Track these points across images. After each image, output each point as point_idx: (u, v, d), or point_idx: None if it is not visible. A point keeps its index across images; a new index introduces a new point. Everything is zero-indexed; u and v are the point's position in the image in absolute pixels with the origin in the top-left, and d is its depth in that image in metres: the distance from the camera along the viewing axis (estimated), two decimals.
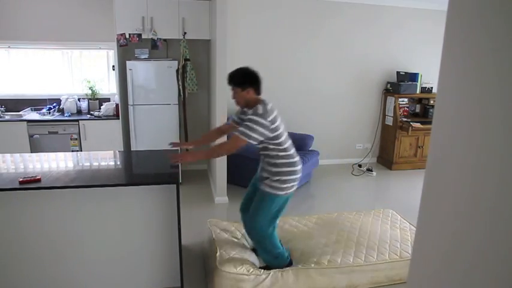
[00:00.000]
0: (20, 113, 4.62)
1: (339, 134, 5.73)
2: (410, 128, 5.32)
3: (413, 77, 5.45)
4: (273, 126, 2.38)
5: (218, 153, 2.77)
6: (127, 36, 4.29)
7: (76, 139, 4.53)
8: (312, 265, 2.66)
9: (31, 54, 4.82)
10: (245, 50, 5.04)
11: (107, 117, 4.62)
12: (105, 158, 3.04)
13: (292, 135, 4.97)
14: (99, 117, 4.63)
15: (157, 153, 3.13)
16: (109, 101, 4.92)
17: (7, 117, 4.50)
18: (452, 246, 0.81)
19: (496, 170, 0.68)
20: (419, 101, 5.79)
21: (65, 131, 4.50)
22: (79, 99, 4.88)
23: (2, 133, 4.33)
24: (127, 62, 4.33)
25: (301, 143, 4.92)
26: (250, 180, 4.56)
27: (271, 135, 2.39)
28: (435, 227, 0.88)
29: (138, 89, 4.40)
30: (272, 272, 2.56)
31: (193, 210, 3.93)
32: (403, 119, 5.48)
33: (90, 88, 4.91)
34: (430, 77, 5.58)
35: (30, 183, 2.20)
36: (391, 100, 5.56)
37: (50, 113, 4.65)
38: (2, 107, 4.67)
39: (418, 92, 5.52)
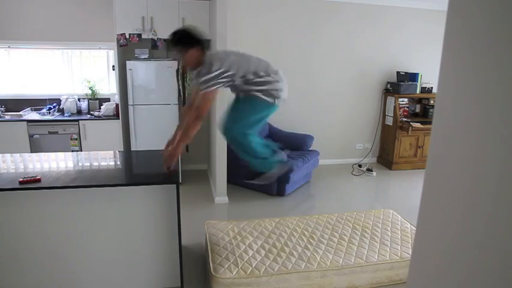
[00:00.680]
0: (20, 113, 4.62)
1: (339, 134, 5.73)
2: (410, 128, 5.33)
3: (413, 77, 5.45)
4: (227, 66, 2.37)
5: (190, 124, 2.40)
6: (127, 36, 4.29)
7: (76, 139, 4.53)
8: (314, 266, 2.65)
9: (31, 54, 4.82)
10: (245, 50, 5.03)
11: (107, 117, 4.62)
12: (105, 158, 3.04)
13: (292, 135, 5.03)
14: (99, 117, 4.63)
15: (157, 153, 3.13)
16: (109, 101, 4.92)
17: (7, 117, 4.50)
18: (452, 246, 0.81)
19: (496, 170, 0.68)
20: (419, 101, 5.80)
21: (65, 131, 4.50)
22: (79, 99, 4.88)
23: (2, 133, 4.33)
24: (127, 62, 4.33)
25: (301, 142, 4.92)
26: None
27: (232, 72, 2.40)
28: (435, 227, 0.88)
29: (138, 89, 4.40)
30: (272, 274, 2.54)
31: (193, 210, 3.93)
32: (403, 119, 5.48)
33: (90, 88, 4.91)
34: (430, 77, 5.58)
35: (30, 183, 2.20)
36: (391, 100, 5.56)
37: (50, 113, 4.65)
38: (2, 107, 4.67)
39: (418, 92, 5.52)
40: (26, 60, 4.83)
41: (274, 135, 5.07)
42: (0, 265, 2.38)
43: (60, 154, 3.20)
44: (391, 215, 3.55)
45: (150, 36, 4.36)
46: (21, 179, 2.22)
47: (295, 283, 2.56)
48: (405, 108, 5.64)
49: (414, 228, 3.13)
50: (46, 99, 4.85)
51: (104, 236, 2.47)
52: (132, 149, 4.52)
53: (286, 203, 4.21)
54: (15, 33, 4.53)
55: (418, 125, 5.39)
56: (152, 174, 2.67)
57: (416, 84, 5.46)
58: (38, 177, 2.27)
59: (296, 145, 4.89)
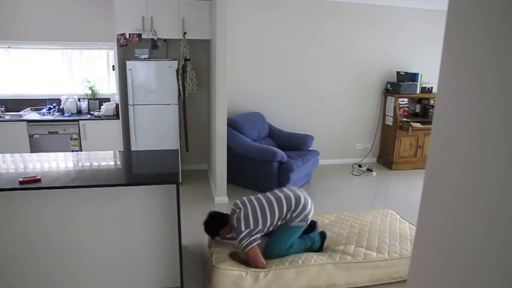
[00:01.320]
0: (20, 113, 4.62)
1: (339, 134, 5.73)
2: (410, 128, 5.33)
3: (413, 77, 5.45)
4: (252, 226, 2.62)
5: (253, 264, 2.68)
6: (127, 36, 4.29)
7: (76, 139, 4.53)
8: (312, 262, 2.66)
9: (31, 54, 4.82)
10: (245, 50, 5.04)
11: (107, 117, 4.62)
12: (105, 158, 3.04)
13: (292, 135, 5.03)
14: (99, 117, 4.63)
15: (157, 153, 3.14)
16: (109, 101, 4.92)
17: (7, 117, 4.50)
18: (453, 246, 0.81)
19: (496, 170, 0.68)
20: (419, 101, 5.80)
21: (65, 131, 4.50)
22: (79, 99, 4.88)
23: (2, 133, 4.33)
24: (127, 62, 4.33)
25: (301, 142, 4.92)
26: (249, 180, 4.57)
27: (259, 227, 2.63)
28: (435, 226, 0.88)
29: (138, 89, 4.40)
30: (271, 268, 2.56)
31: (193, 210, 3.92)
32: (403, 119, 5.48)
33: (90, 88, 4.91)
34: (430, 77, 5.58)
35: (30, 183, 2.20)
36: (391, 100, 5.56)
37: (50, 113, 4.65)
38: (2, 107, 4.67)
39: (418, 92, 5.52)
40: (26, 60, 4.83)
41: (274, 135, 5.07)
42: (0, 265, 2.38)
43: (60, 154, 3.20)
44: (389, 215, 3.56)
45: (150, 36, 4.35)
46: (21, 179, 2.22)
47: (295, 279, 2.57)
48: (405, 108, 5.64)
49: (413, 227, 3.13)
50: (46, 99, 4.85)
51: (103, 236, 2.47)
52: (132, 149, 4.52)
53: None
54: (15, 33, 4.53)
55: (418, 125, 5.39)
56: (152, 174, 2.67)
57: (416, 84, 5.46)
58: (38, 177, 2.27)
59: (296, 145, 4.89)
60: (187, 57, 4.44)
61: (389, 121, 5.62)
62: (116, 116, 4.65)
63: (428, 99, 5.68)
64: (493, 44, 0.69)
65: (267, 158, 4.23)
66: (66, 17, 4.60)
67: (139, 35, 4.32)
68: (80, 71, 4.99)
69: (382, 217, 3.49)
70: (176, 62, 4.43)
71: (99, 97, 4.95)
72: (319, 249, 2.93)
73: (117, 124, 4.56)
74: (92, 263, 2.50)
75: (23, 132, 4.37)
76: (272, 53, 5.16)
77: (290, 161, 4.31)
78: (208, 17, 4.43)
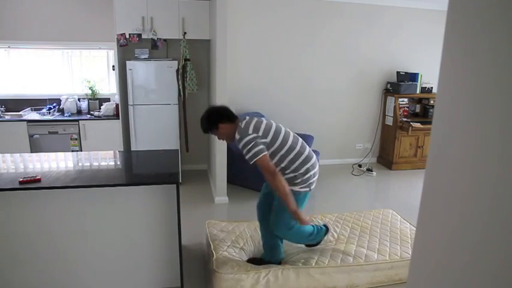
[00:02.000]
0: (20, 113, 4.62)
1: (339, 134, 5.73)
2: (410, 128, 5.32)
3: (413, 77, 5.45)
4: (260, 133, 2.36)
5: (272, 182, 2.36)
6: (127, 36, 4.29)
7: (76, 139, 4.53)
8: (313, 264, 2.66)
9: (31, 54, 4.82)
10: (245, 50, 5.04)
11: (107, 117, 4.62)
12: (105, 158, 3.04)
13: None
14: (99, 117, 4.63)
15: (157, 153, 3.14)
16: (109, 101, 4.92)
17: (7, 117, 4.50)
18: (452, 246, 0.81)
19: (496, 169, 0.68)
20: (419, 101, 5.79)
21: (65, 131, 4.50)
22: (79, 99, 4.88)
23: (2, 133, 4.33)
24: (127, 62, 4.33)
25: None
26: (249, 180, 4.54)
27: (265, 140, 2.37)
28: (435, 226, 0.88)
29: (138, 89, 4.40)
30: (272, 269, 2.56)
31: (193, 210, 3.93)
32: (403, 119, 5.48)
33: (90, 88, 4.91)
34: (430, 77, 5.58)
35: (30, 183, 2.20)
36: (391, 100, 5.56)
37: (50, 113, 4.65)
38: (2, 107, 4.67)
39: (418, 92, 5.52)
40: (26, 60, 4.83)
41: None
42: (0, 265, 2.38)
43: (60, 154, 3.20)
44: (390, 215, 3.56)
45: (150, 36, 4.35)
46: (21, 179, 2.22)
47: (295, 280, 2.57)
48: (405, 108, 5.64)
49: (414, 228, 3.13)
50: (46, 99, 4.85)
51: (103, 236, 2.47)
52: (132, 149, 4.52)
53: None
54: (15, 33, 4.53)
55: (418, 125, 5.39)
56: (152, 174, 2.67)
57: (416, 84, 5.46)
58: (38, 177, 2.27)
59: None
60: (187, 57, 4.44)
61: (389, 121, 5.62)
62: (115, 116, 4.65)
63: (428, 99, 5.68)
64: (493, 44, 0.69)
65: None
66: (67, 17, 4.60)
67: (139, 35, 4.32)
68: (80, 71, 4.99)
69: (383, 217, 3.49)
70: (176, 62, 4.43)
71: (99, 97, 4.95)
72: (319, 242, 2.88)
73: (117, 124, 4.56)
74: (92, 263, 2.49)
75: (23, 132, 4.37)
76: (272, 53, 5.16)
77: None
78: (208, 17, 4.43)
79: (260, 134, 2.35)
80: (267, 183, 2.65)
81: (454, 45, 0.81)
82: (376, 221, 3.40)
